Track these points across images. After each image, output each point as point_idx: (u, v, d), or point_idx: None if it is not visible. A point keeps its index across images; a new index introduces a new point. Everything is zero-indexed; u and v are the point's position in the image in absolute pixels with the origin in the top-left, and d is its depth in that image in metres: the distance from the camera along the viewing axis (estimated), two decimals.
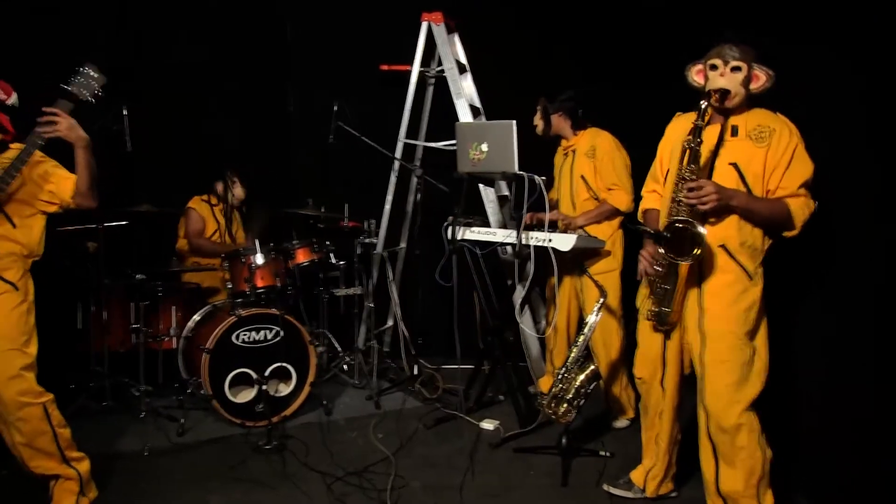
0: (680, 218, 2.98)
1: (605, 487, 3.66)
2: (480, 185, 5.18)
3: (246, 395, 4.54)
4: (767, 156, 3.01)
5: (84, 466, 3.43)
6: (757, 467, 3.06)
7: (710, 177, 3.07)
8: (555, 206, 4.93)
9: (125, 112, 4.51)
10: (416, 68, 5.70)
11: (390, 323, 5.99)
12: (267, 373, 4.52)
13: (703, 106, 2.97)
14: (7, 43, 4.93)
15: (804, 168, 3.01)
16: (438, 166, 5.29)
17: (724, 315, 3.06)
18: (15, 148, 3.34)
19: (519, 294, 4.80)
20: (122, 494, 3.63)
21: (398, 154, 5.76)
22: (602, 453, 4.10)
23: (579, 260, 4.46)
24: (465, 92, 5.55)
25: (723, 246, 3.07)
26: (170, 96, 5.80)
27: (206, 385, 4.41)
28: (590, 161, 4.54)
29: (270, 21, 6.30)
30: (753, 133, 3.05)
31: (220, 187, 5.55)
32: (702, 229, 2.91)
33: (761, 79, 3.03)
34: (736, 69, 3.02)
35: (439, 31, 5.57)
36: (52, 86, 3.22)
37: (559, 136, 4.79)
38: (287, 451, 4.17)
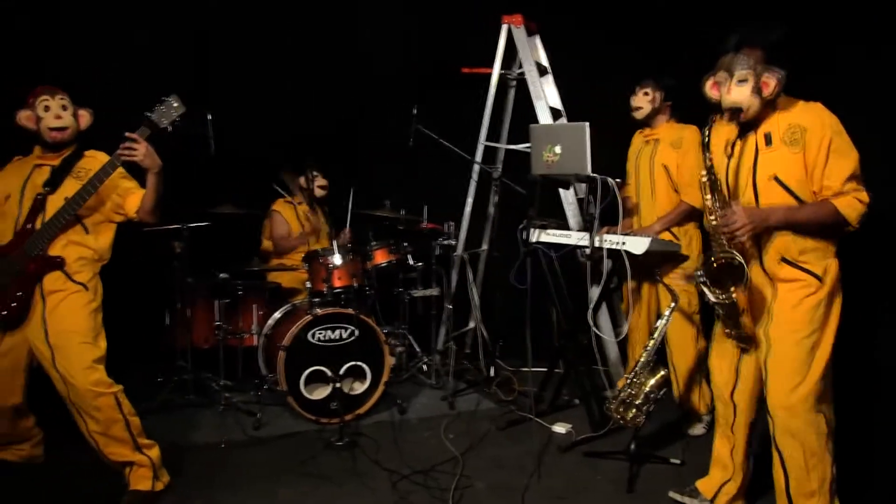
0: (717, 255, 2.96)
1: (671, 494, 3.57)
2: (560, 188, 5.15)
3: (321, 393, 4.63)
4: (805, 158, 2.89)
5: (155, 453, 3.58)
6: (827, 472, 2.94)
7: (754, 194, 3.00)
8: (630, 205, 4.85)
9: (209, 117, 4.66)
10: (496, 71, 5.70)
11: (472, 325, 6.00)
12: (342, 371, 4.59)
13: (705, 132, 2.96)
14: (98, 54, 5.19)
15: (845, 161, 2.86)
16: (520, 168, 5.27)
17: (788, 318, 2.96)
18: (89, 155, 3.56)
19: (594, 297, 4.73)
20: (197, 484, 3.76)
21: (478, 156, 5.77)
22: (673, 461, 4.00)
23: (653, 265, 4.37)
24: (545, 94, 5.52)
25: (784, 259, 2.98)
26: (252, 100, 5.98)
27: (282, 381, 4.53)
28: (675, 152, 4.42)
29: (352, 24, 6.40)
30: (787, 137, 2.93)
31: (302, 181, 5.67)
32: (740, 258, 2.88)
33: (770, 84, 2.91)
34: (742, 81, 2.93)
35: (519, 34, 5.55)
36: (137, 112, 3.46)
37: (645, 123, 4.68)
38: (358, 449, 4.23)
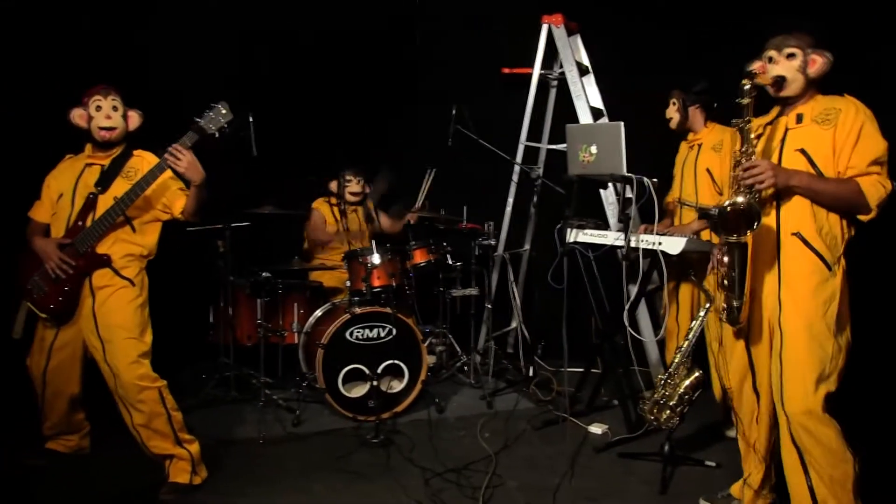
0: (734, 200, 2.90)
1: (702, 502, 3.52)
2: (600, 188, 5.14)
3: (359, 391, 4.69)
4: (835, 136, 2.89)
5: (195, 448, 3.69)
6: (850, 471, 2.87)
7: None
8: (673, 209, 4.82)
9: (251, 119, 4.75)
10: (536, 71, 5.72)
11: (514, 325, 6.02)
12: (379, 369, 4.64)
13: (745, 85, 2.91)
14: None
15: (874, 145, 2.85)
16: (561, 168, 5.26)
17: (801, 309, 2.91)
18: (138, 155, 3.68)
19: (635, 297, 4.70)
20: (233, 477, 3.84)
21: (519, 156, 5.79)
22: (708, 463, 3.96)
23: (687, 265, 4.33)
24: (586, 93, 5.51)
25: (797, 234, 2.93)
26: (296, 101, 6.08)
27: (320, 379, 4.60)
28: (717, 155, 4.38)
29: (400, 26, 6.45)
30: (819, 117, 2.94)
31: (333, 185, 5.75)
32: (755, 205, 2.84)
33: (818, 62, 2.95)
34: (791, 56, 2.97)
35: (559, 34, 5.57)
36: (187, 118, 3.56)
37: (686, 131, 4.67)
38: (393, 446, 4.27)
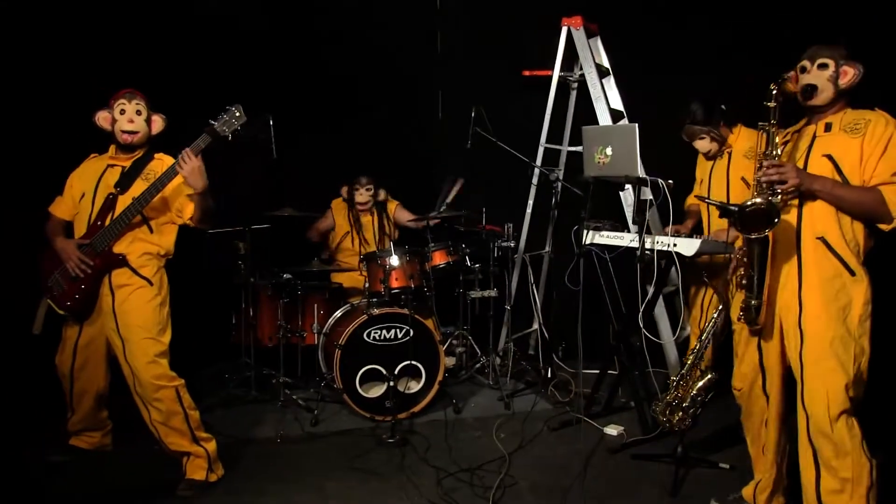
0: (755, 199, 2.90)
1: None
2: (620, 190, 5.14)
3: (376, 391, 4.73)
4: (863, 145, 2.88)
5: (212, 446, 3.76)
6: (864, 476, 2.85)
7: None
8: (696, 210, 4.81)
9: (270, 122, 4.83)
10: (556, 73, 5.74)
11: (534, 326, 6.03)
12: (397, 370, 4.68)
13: (773, 90, 2.92)
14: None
15: None
16: (581, 170, 5.27)
17: (822, 313, 2.90)
18: (158, 158, 3.75)
19: (649, 299, 4.69)
20: (249, 475, 3.92)
21: (539, 158, 5.81)
22: (722, 465, 3.94)
23: (700, 267, 4.31)
24: (605, 95, 5.52)
25: (821, 238, 2.92)
26: (318, 105, 6.15)
27: (338, 379, 4.66)
28: (750, 162, 4.37)
29: (423, 30, 6.50)
30: (848, 126, 2.94)
31: (345, 191, 5.83)
32: (774, 204, 2.84)
33: (849, 73, 2.96)
34: (823, 66, 2.99)
35: (579, 36, 5.59)
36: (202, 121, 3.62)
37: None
38: (409, 446, 4.31)
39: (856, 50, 3.02)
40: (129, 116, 3.69)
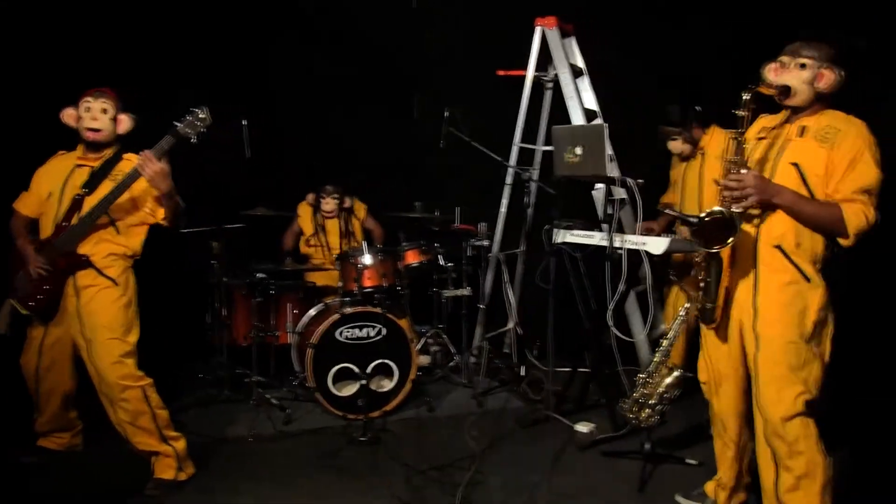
0: (714, 209, 2.91)
1: (678, 499, 3.57)
2: (592, 190, 5.19)
3: (350, 389, 4.75)
4: (830, 156, 2.85)
5: (180, 445, 3.77)
6: (818, 473, 2.90)
7: (772, 178, 2.97)
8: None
9: (244, 122, 4.83)
10: (530, 73, 5.77)
11: (510, 325, 6.06)
12: (369, 369, 4.70)
13: (744, 97, 2.89)
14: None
15: (867, 173, 2.81)
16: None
17: (777, 318, 2.93)
18: (127, 159, 3.74)
19: (618, 297, 4.74)
20: (221, 474, 3.93)
21: (513, 158, 5.85)
22: (689, 461, 3.99)
23: (668, 266, 4.36)
24: (579, 95, 5.55)
25: (778, 246, 2.93)
26: (293, 105, 6.17)
27: (310, 378, 4.67)
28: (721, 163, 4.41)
29: (398, 31, 6.51)
30: (820, 133, 2.90)
31: (311, 198, 5.86)
32: (737, 217, 2.85)
33: (828, 77, 2.89)
34: (802, 66, 2.93)
35: (552, 36, 5.61)
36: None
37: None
38: (380, 444, 4.34)
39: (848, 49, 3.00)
40: (93, 114, 3.65)
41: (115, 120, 3.73)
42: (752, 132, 3.13)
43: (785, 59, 2.98)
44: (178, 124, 3.57)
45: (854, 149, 2.82)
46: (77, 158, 3.75)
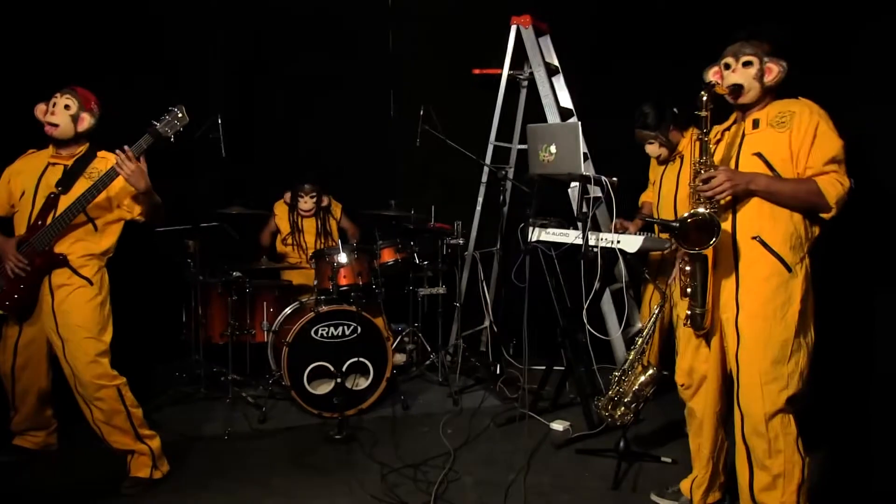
0: (694, 211, 2.95)
1: (652, 497, 3.61)
2: (568, 188, 5.22)
3: (325, 388, 4.76)
4: (791, 138, 2.92)
5: (155, 443, 3.77)
6: (796, 473, 2.94)
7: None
8: (647, 210, 4.89)
9: (219, 121, 4.83)
10: (505, 71, 5.80)
11: (486, 324, 6.09)
12: (345, 367, 4.72)
13: (703, 97, 2.94)
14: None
15: (830, 144, 2.89)
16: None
17: (759, 313, 2.96)
18: (101, 157, 3.73)
19: (592, 295, 4.78)
20: (195, 472, 3.93)
21: (489, 157, 5.88)
22: (664, 459, 4.03)
23: (643, 263, 4.40)
24: (554, 94, 5.59)
25: (757, 238, 2.97)
26: (269, 103, 6.18)
27: (285, 376, 4.68)
28: None
29: (374, 30, 6.52)
30: (774, 121, 2.98)
31: (287, 196, 5.86)
32: (715, 216, 2.89)
33: (774, 71, 2.99)
34: (748, 64, 3.01)
35: (528, 34, 5.65)
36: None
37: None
38: (356, 442, 4.35)
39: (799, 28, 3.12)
40: (53, 110, 3.63)
41: (75, 117, 3.69)
42: (710, 137, 3.16)
43: (729, 60, 3.05)
44: (157, 123, 3.56)
45: (812, 124, 2.90)
46: (50, 157, 3.73)
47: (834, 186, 2.86)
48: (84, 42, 5.06)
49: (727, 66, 3.05)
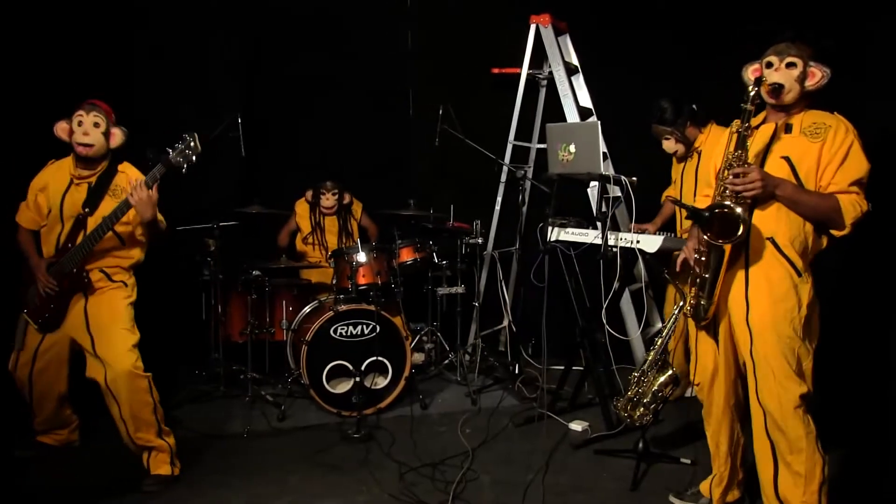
0: (723, 203, 2.93)
1: (671, 498, 3.59)
2: (587, 188, 5.20)
3: (343, 387, 4.77)
4: (822, 151, 2.92)
5: (172, 440, 3.82)
6: (817, 472, 2.94)
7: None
8: (668, 208, 4.88)
9: (239, 120, 4.85)
10: (524, 71, 5.78)
11: (505, 323, 6.08)
12: (363, 366, 4.72)
13: (751, 91, 2.92)
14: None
15: (858, 165, 2.90)
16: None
17: (770, 311, 2.96)
18: (122, 171, 3.79)
19: (611, 296, 4.75)
20: (214, 470, 3.96)
21: (508, 156, 5.87)
22: (683, 460, 4.00)
23: (663, 263, 4.37)
24: (574, 93, 5.57)
25: (771, 239, 2.98)
26: (289, 103, 6.20)
27: (304, 375, 4.70)
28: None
29: (393, 29, 6.52)
30: (808, 129, 2.97)
31: (309, 194, 5.87)
32: (743, 213, 2.86)
33: (817, 75, 2.97)
34: (791, 65, 2.98)
35: (547, 33, 5.63)
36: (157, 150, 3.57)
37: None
38: (373, 441, 4.36)
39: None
40: (85, 129, 3.64)
41: (107, 134, 3.72)
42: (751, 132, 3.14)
43: (772, 58, 3.02)
44: (170, 152, 3.52)
45: (846, 143, 2.90)
46: (71, 174, 3.75)
47: (854, 207, 2.90)
48: (84, 43, 5.12)
49: (769, 65, 3.02)
